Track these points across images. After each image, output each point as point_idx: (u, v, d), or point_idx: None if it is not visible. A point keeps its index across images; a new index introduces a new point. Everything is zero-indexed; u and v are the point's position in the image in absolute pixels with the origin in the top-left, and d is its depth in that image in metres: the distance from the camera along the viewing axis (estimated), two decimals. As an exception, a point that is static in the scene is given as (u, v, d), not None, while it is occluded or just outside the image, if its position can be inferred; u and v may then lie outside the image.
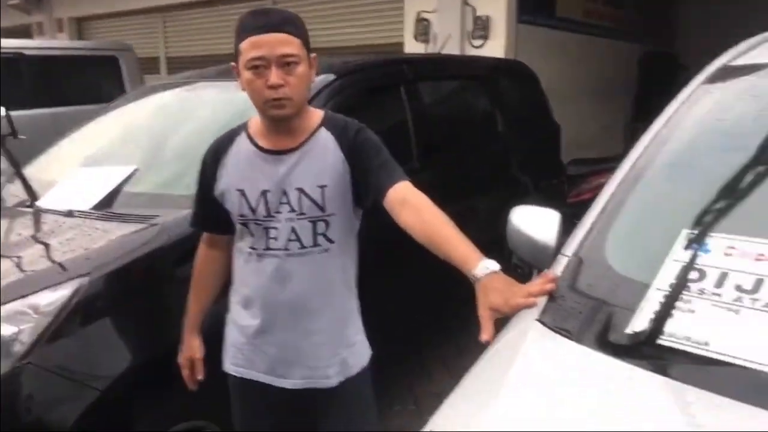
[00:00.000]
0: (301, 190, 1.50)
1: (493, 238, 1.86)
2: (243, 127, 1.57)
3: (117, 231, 2.00)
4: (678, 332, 1.04)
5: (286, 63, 1.41)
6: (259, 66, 1.40)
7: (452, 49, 5.17)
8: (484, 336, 1.09)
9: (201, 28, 8.08)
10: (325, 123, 1.55)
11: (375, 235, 1.70)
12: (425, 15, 5.66)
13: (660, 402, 0.94)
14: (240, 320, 1.62)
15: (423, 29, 5.69)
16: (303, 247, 1.51)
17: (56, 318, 1.69)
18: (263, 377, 1.60)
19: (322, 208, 1.50)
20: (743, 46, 1.69)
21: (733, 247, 1.13)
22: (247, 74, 1.43)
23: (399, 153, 1.58)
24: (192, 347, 1.68)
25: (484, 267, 1.22)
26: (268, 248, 1.51)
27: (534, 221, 1.54)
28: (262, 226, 1.50)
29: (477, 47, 5.38)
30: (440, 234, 1.34)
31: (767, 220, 1.16)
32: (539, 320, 1.19)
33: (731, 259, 1.11)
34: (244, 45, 1.41)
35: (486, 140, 3.50)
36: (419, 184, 1.50)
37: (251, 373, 1.61)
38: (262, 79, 1.41)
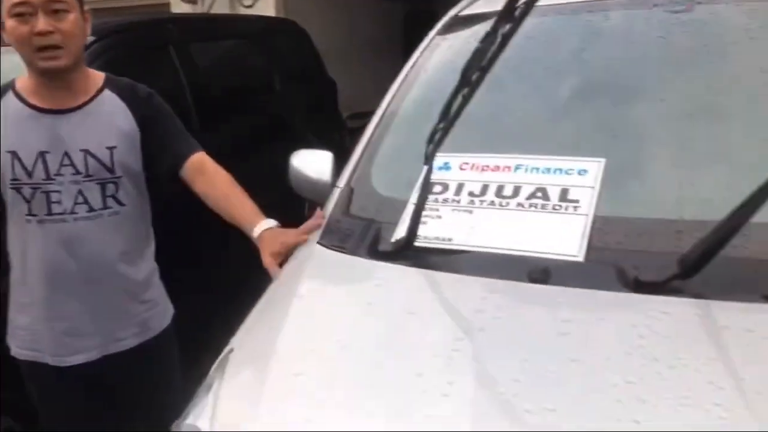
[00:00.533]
0: (87, 152, 1.48)
1: (281, 194, 1.98)
2: (8, 87, 1.49)
3: None
4: (429, 234, 1.30)
5: (54, 10, 1.37)
6: (24, 14, 1.34)
7: (221, 9, 5.10)
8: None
9: None
10: (109, 84, 1.54)
11: (181, 196, 1.72)
12: (190, -26, 5.46)
13: (418, 285, 1.18)
14: (22, 298, 1.55)
15: (189, -11, 5.49)
16: (92, 210, 1.50)
17: None
18: (55, 355, 1.56)
19: (110, 170, 1.50)
20: (471, -2, 2.01)
21: (466, 163, 1.41)
22: (10, 23, 1.36)
23: (177, 115, 1.63)
24: None
25: (261, 227, 1.41)
26: (50, 213, 1.47)
27: (311, 162, 1.72)
28: (40, 189, 1.46)
29: (247, 6, 5.37)
30: (228, 201, 1.49)
31: (489, 139, 1.48)
32: (319, 243, 1.37)
33: (465, 172, 1.40)
34: None
35: (265, 99, 3.60)
36: (201, 146, 1.59)
37: (41, 355, 1.56)
38: (27, 26, 1.35)
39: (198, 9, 5.41)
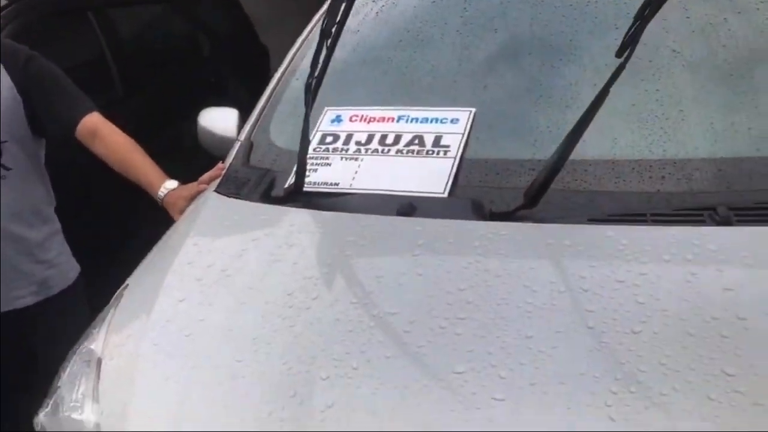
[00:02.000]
0: None
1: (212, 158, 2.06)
2: None
3: None
4: (319, 180, 1.45)
5: None
6: None
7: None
8: None
9: None
10: None
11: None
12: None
13: (300, 222, 1.33)
14: None
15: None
16: None
17: None
18: None
19: None
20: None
21: (355, 115, 1.57)
22: None
23: (98, 81, 1.71)
24: None
25: (164, 188, 1.55)
26: None
27: (217, 119, 1.84)
28: None
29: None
30: (129, 162, 1.61)
31: (378, 93, 1.63)
32: (216, 191, 1.51)
33: (354, 124, 1.55)
34: None
35: (192, 65, 3.66)
36: (124, 112, 1.67)
37: None
38: None
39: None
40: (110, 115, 1.78)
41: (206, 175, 1.59)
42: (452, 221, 1.25)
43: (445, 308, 1.02)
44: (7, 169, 1.60)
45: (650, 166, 1.28)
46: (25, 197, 1.67)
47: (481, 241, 1.16)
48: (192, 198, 1.55)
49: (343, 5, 1.22)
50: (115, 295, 1.29)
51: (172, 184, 1.59)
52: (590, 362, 0.89)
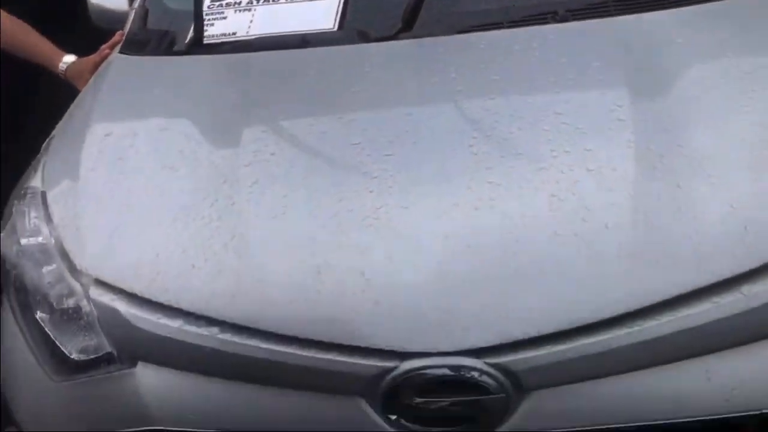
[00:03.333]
0: None
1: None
2: None
3: None
4: (217, 32, 1.62)
5: None
6: None
7: None
8: None
9: None
10: None
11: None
12: None
13: (213, 63, 1.54)
14: None
15: None
16: None
17: None
18: None
19: None
20: None
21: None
22: None
23: None
24: None
25: (64, 62, 1.67)
26: None
27: (107, -5, 1.92)
28: None
29: None
30: (22, 41, 1.68)
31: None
32: (120, 52, 1.64)
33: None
34: None
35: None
36: None
37: None
38: None
39: None
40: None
41: (107, 44, 1.70)
42: (343, 46, 1.47)
43: (339, 107, 1.26)
44: None
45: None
46: None
47: (367, 56, 1.40)
48: (97, 66, 1.67)
49: None
50: (43, 146, 1.43)
51: (70, 57, 1.71)
52: (457, 123, 1.17)
